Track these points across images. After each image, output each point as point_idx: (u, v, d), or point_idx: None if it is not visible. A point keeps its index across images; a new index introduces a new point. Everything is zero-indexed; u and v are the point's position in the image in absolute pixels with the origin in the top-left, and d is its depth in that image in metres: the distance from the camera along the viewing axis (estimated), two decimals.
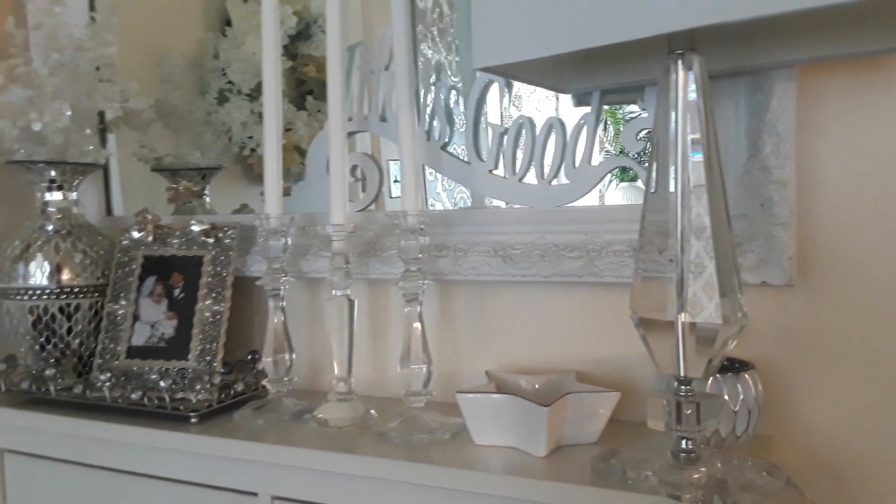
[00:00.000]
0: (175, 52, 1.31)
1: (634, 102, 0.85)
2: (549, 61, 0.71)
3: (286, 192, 1.24)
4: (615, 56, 0.74)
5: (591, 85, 0.84)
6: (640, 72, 0.79)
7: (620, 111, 1.00)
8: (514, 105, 1.00)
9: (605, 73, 0.80)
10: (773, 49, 0.73)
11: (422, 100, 0.96)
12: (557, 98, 1.04)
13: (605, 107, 0.86)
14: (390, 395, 1.01)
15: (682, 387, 0.67)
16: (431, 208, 1.09)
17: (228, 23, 1.37)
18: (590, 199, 0.89)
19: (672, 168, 0.66)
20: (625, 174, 1.02)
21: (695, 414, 0.66)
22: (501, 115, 0.95)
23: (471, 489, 0.74)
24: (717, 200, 0.65)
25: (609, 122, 1.01)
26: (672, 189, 0.66)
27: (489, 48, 0.70)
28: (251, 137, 1.29)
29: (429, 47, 1.15)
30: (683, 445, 0.68)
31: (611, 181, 0.97)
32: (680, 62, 0.66)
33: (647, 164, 0.70)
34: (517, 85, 0.95)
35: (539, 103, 1.06)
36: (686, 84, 0.66)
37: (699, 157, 0.65)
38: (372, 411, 0.92)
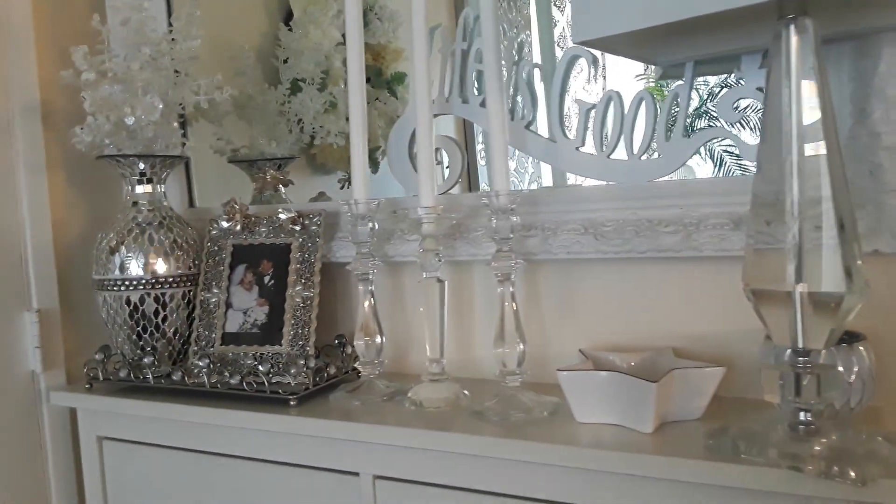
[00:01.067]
0: (247, 45, 1.32)
1: (730, 73, 0.84)
2: (646, 32, 0.70)
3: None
4: (714, 24, 0.72)
5: (684, 55, 0.83)
6: (736, 40, 0.77)
7: (667, 87, 0.98)
8: (595, 80, 0.98)
9: (701, 42, 0.79)
10: (884, 12, 0.70)
11: (515, 82, 0.95)
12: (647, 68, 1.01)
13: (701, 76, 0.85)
14: (477, 376, 1.02)
15: (801, 358, 0.66)
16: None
17: (290, 14, 1.38)
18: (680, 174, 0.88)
19: (787, 137, 0.64)
20: None
21: (814, 385, 0.65)
22: (584, 90, 0.94)
23: (580, 465, 0.74)
24: (837, 168, 0.64)
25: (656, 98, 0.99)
26: (787, 158, 0.64)
27: (589, 21, 0.70)
28: (322, 126, 1.31)
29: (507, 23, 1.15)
30: (802, 417, 0.66)
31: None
32: (792, 27, 0.64)
33: (741, 135, 0.68)
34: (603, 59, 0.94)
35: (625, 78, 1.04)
36: (799, 49, 0.64)
37: (817, 124, 0.63)
38: (465, 392, 0.92)
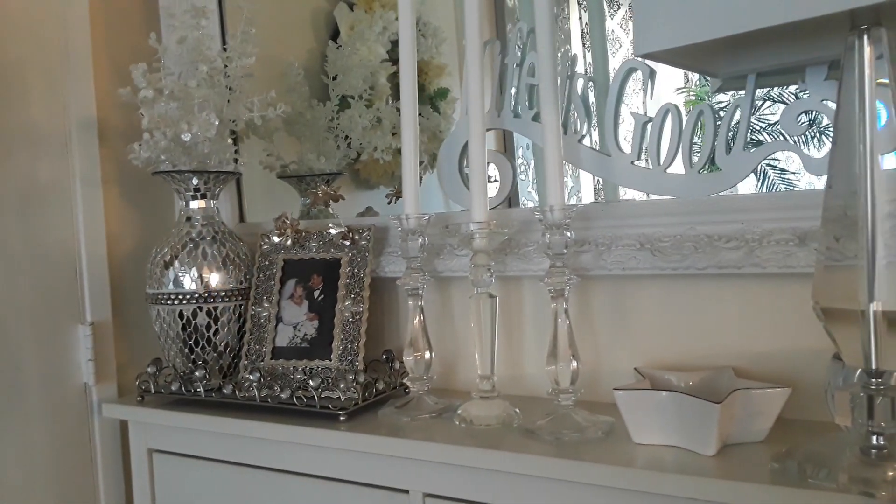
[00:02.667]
0: (296, 62, 1.34)
1: (795, 84, 0.81)
2: (710, 44, 0.69)
3: (398, 193, 1.26)
4: (781, 36, 0.71)
5: (745, 67, 0.81)
6: (802, 51, 0.75)
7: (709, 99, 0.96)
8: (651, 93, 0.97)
9: (766, 53, 0.77)
10: None
11: (566, 95, 0.94)
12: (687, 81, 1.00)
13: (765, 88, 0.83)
14: (527, 394, 1.00)
15: (874, 380, 0.63)
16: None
17: (336, 31, 1.40)
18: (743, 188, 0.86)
19: (860, 150, 0.62)
20: None
21: (888, 408, 0.62)
22: (644, 104, 0.92)
23: (639, 488, 0.71)
24: None
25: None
26: (860, 172, 0.62)
27: (652, 34, 0.69)
28: (368, 142, 1.32)
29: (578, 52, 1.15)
30: (874, 441, 0.63)
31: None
32: (866, 37, 0.62)
33: (807, 149, 0.66)
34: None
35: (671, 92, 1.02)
36: (873, 60, 0.62)
37: (892, 135, 0.61)
38: (516, 410, 0.91)
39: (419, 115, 1.34)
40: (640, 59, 0.86)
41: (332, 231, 1.03)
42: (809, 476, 0.65)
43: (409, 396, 0.97)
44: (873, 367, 0.63)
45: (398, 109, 1.29)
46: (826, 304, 0.65)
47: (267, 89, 1.11)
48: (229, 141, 1.09)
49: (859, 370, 0.64)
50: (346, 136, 1.32)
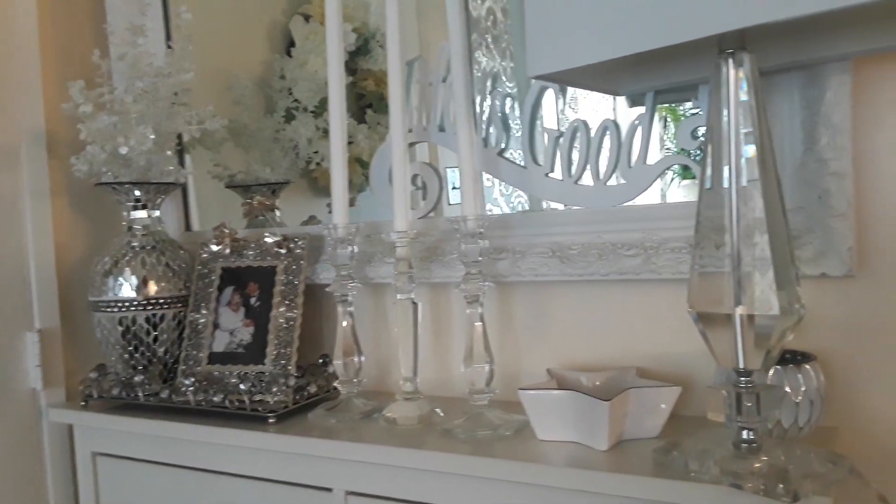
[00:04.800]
0: (244, 75, 1.38)
1: (689, 101, 0.87)
2: (602, 65, 0.73)
3: (351, 203, 1.30)
4: (668, 57, 0.76)
5: (644, 86, 0.86)
6: (692, 71, 0.81)
7: (681, 108, 1.01)
8: (570, 108, 1.02)
9: (658, 73, 0.82)
10: (826, 43, 0.73)
11: (478, 108, 0.99)
12: (614, 99, 1.05)
13: (665, 105, 0.88)
14: (454, 395, 1.04)
15: (742, 378, 0.68)
16: (489, 213, 1.12)
17: (292, 43, 1.44)
18: (650, 198, 0.91)
19: (726, 164, 0.67)
20: (687, 172, 1.02)
21: (755, 405, 0.67)
22: (558, 119, 0.97)
23: (535, 482, 0.76)
24: (772, 194, 0.67)
25: (669, 120, 1.02)
26: (726, 185, 0.67)
27: (544, 56, 0.73)
28: (317, 152, 1.36)
29: (483, 55, 1.19)
30: (745, 436, 0.69)
31: (672, 179, 0.98)
32: (731, 60, 0.68)
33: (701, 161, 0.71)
34: (573, 88, 0.98)
35: (597, 104, 1.07)
36: (737, 82, 0.67)
37: (752, 152, 0.66)
38: (437, 410, 0.95)
39: (378, 124, 1.39)
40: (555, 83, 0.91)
41: (268, 240, 1.07)
42: (690, 469, 0.70)
43: (339, 399, 1.01)
44: (741, 366, 0.68)
45: (352, 118, 1.35)
46: (699, 308, 0.70)
47: (218, 101, 1.15)
48: (169, 153, 1.13)
49: (730, 370, 0.69)
50: (295, 146, 1.37)
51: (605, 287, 0.94)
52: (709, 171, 0.70)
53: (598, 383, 0.89)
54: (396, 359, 1.09)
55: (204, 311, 1.09)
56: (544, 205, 1.07)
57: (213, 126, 1.11)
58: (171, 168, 1.15)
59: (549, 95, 0.96)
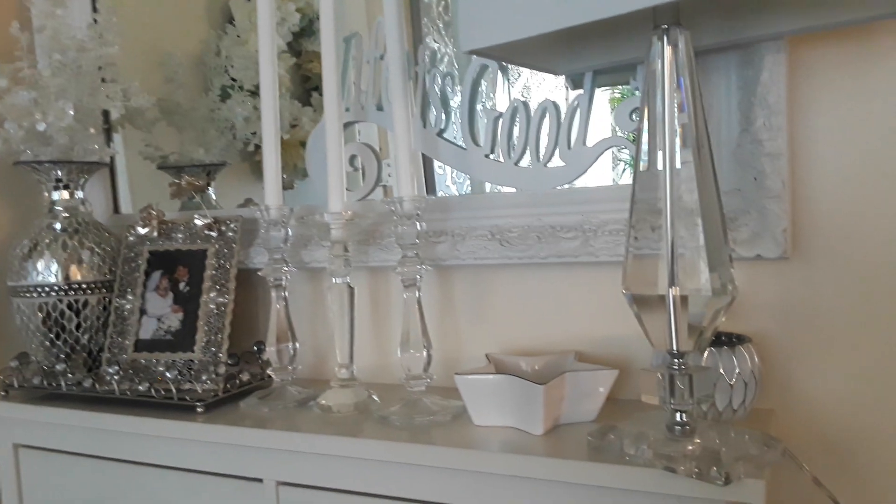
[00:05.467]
0: (179, 52, 1.32)
1: (627, 83, 0.85)
2: (537, 42, 0.71)
3: (288, 186, 1.26)
4: (603, 34, 0.74)
5: (582, 66, 0.84)
6: (630, 50, 0.79)
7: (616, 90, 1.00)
8: (523, 92, 0.99)
9: (596, 52, 0.80)
10: (761, 21, 0.72)
11: (422, 88, 0.96)
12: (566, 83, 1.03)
13: (605, 86, 0.86)
14: (393, 382, 1.02)
15: (675, 360, 0.67)
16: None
17: (231, 21, 1.39)
18: (601, 183, 0.89)
19: (660, 146, 0.66)
20: None
21: (688, 387, 0.67)
22: (510, 100, 0.95)
23: (469, 468, 0.74)
24: (706, 175, 0.66)
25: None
26: (661, 167, 0.66)
27: (476, 31, 0.71)
28: (255, 133, 1.31)
29: (435, 40, 1.16)
30: (678, 418, 0.68)
31: (625, 169, 0.97)
32: (665, 37, 0.66)
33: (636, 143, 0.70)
34: (528, 72, 0.96)
35: (556, 89, 1.05)
36: (671, 60, 0.66)
37: (687, 133, 0.65)
38: (374, 396, 0.93)
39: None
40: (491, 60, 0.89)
41: (198, 222, 1.03)
42: (625, 452, 0.69)
43: (273, 387, 0.97)
44: (674, 348, 0.67)
45: (297, 100, 1.30)
46: (634, 290, 0.69)
47: (152, 79, 1.09)
48: (92, 131, 1.07)
49: (664, 352, 0.68)
50: (232, 126, 1.32)
51: (544, 270, 0.93)
52: (643, 153, 0.69)
53: (537, 368, 0.88)
54: (334, 345, 1.07)
55: (130, 297, 1.04)
56: (487, 188, 1.05)
57: (138, 103, 1.05)
58: (96, 147, 1.09)
59: (499, 76, 0.94)
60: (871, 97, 0.76)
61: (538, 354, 0.90)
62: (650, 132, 0.68)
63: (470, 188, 1.12)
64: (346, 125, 1.03)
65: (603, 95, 0.90)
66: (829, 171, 0.78)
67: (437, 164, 1.22)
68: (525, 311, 0.95)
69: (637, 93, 0.83)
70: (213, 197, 1.30)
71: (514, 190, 0.93)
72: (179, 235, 1.05)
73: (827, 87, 0.77)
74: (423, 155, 1.02)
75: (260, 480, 0.87)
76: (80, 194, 1.09)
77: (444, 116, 0.96)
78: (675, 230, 0.65)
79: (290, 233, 0.98)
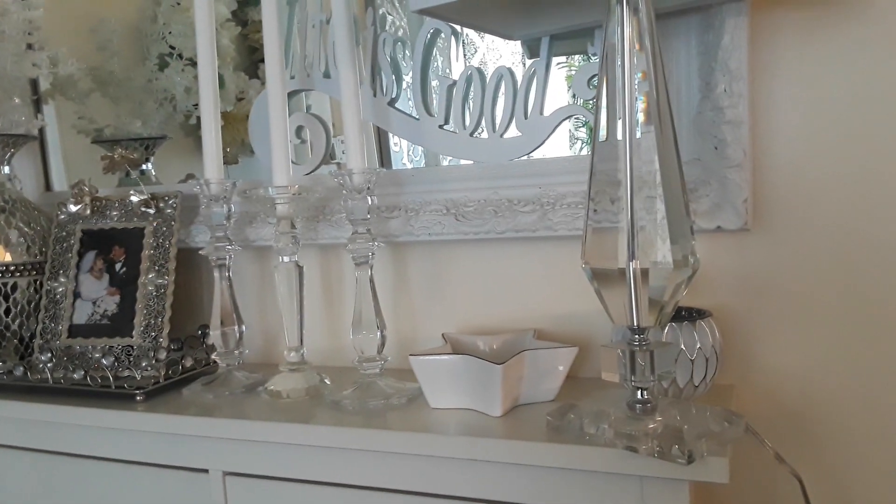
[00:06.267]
0: (113, 18, 1.24)
1: (585, 51, 0.82)
2: (488, 3, 0.67)
3: (232, 161, 1.20)
4: None
5: (538, 30, 0.81)
6: (587, 14, 0.76)
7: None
8: (481, 67, 0.95)
9: (552, 16, 0.77)
10: None
11: (371, 54, 0.91)
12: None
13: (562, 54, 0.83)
14: (347, 365, 0.98)
15: (636, 336, 0.65)
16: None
17: None
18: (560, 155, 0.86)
19: (620, 115, 0.63)
20: None
21: (648, 363, 0.64)
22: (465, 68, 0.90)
23: (425, 452, 0.71)
24: (667, 146, 0.63)
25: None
26: (620, 137, 0.63)
27: None
28: (196, 105, 1.24)
29: (388, 12, 1.11)
30: (639, 396, 0.65)
31: (582, 148, 0.94)
32: (624, 0, 0.62)
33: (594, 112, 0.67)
34: (484, 45, 0.92)
35: (514, 66, 1.00)
36: (631, 24, 0.62)
37: (646, 100, 0.62)
38: (326, 380, 0.89)
39: None
40: (442, 21, 0.84)
41: (134, 199, 0.97)
42: (586, 432, 0.67)
43: (218, 373, 0.92)
44: (635, 323, 0.64)
45: (244, 72, 1.24)
46: (594, 264, 0.66)
47: (86, 47, 1.01)
48: (17, 101, 0.99)
49: (625, 327, 0.66)
50: (173, 98, 1.24)
51: (502, 246, 0.89)
52: (602, 123, 0.65)
53: (495, 347, 0.85)
54: (283, 328, 1.02)
55: (63, 279, 0.98)
56: (445, 161, 1.01)
57: (67, 70, 0.98)
58: (23, 118, 1.02)
59: (452, 46, 0.89)
60: (834, 63, 0.73)
61: (496, 333, 0.87)
62: (609, 101, 0.64)
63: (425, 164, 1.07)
64: (292, 94, 0.98)
65: (560, 71, 0.86)
66: (792, 139, 0.76)
67: (392, 139, 1.17)
68: (483, 288, 0.92)
69: (595, 59, 0.80)
70: (153, 172, 1.23)
71: (470, 162, 0.89)
72: (114, 213, 0.99)
73: (790, 52, 0.75)
74: (379, 130, 0.98)
75: (206, 471, 0.83)
76: (6, 170, 1.02)
77: (395, 85, 0.92)
78: (635, 202, 0.62)
79: (233, 209, 0.92)
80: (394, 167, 1.07)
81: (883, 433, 0.76)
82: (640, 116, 0.62)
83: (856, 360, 0.76)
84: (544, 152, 0.89)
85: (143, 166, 1.20)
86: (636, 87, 0.62)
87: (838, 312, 0.76)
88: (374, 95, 0.92)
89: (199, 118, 1.22)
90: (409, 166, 1.10)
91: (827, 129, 0.74)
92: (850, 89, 0.73)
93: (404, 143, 1.18)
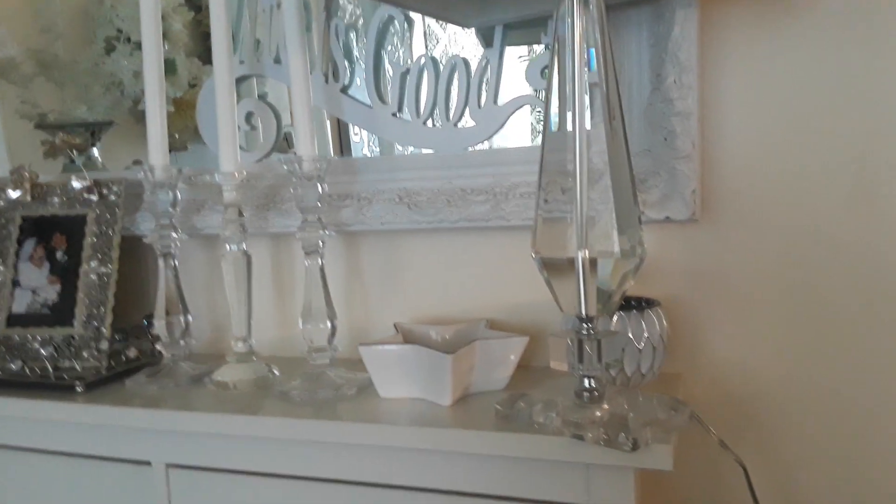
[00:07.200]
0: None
1: (538, 41, 0.82)
2: None
3: (182, 147, 1.17)
4: None
5: (492, 18, 0.80)
6: (539, 4, 0.75)
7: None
8: (445, 54, 0.94)
9: (504, 5, 0.76)
10: None
11: (323, 40, 0.90)
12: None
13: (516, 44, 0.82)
14: (298, 355, 0.96)
15: (584, 325, 0.65)
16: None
17: None
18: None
19: (570, 105, 0.63)
20: None
21: (596, 352, 0.64)
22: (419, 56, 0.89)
23: (373, 443, 0.70)
24: (616, 136, 0.63)
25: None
26: (570, 128, 0.63)
27: None
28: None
29: (349, 1, 1.09)
30: (586, 384, 0.66)
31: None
32: None
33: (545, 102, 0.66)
34: (446, 39, 0.91)
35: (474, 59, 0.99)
36: (581, 15, 0.62)
37: (596, 93, 0.62)
38: (275, 371, 0.87)
39: None
40: (396, 7, 0.83)
41: (76, 185, 0.93)
42: (535, 421, 0.67)
43: (163, 363, 0.90)
44: (583, 312, 0.64)
45: (197, 58, 1.20)
46: (544, 253, 0.66)
47: (29, 29, 0.97)
48: None
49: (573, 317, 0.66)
50: (121, 83, 1.20)
51: (456, 236, 0.89)
52: (553, 113, 0.65)
53: (447, 337, 0.84)
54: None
55: (1, 268, 0.94)
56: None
57: (5, 53, 0.94)
58: None
59: (406, 34, 0.88)
60: (783, 56, 0.74)
61: (450, 323, 0.86)
62: (560, 91, 0.64)
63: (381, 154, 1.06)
64: (242, 80, 0.96)
65: (516, 58, 0.86)
66: (740, 132, 0.77)
67: (353, 130, 1.16)
68: (437, 278, 0.91)
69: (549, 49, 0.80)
70: (100, 159, 1.19)
71: (426, 152, 0.89)
72: (56, 200, 0.96)
73: (739, 45, 0.76)
74: (339, 121, 0.96)
75: (148, 463, 0.81)
76: None
77: (348, 72, 0.90)
78: (585, 193, 0.63)
79: (178, 196, 0.90)
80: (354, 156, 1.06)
81: (825, 421, 0.78)
82: (590, 108, 0.62)
83: (800, 350, 0.78)
84: (504, 143, 0.88)
85: (91, 152, 1.16)
86: (586, 78, 0.62)
87: (783, 303, 0.78)
88: (326, 82, 0.91)
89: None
90: (370, 155, 1.09)
91: (775, 122, 0.76)
92: (799, 83, 0.74)
93: (365, 133, 1.17)
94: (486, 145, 0.87)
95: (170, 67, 1.23)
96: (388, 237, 0.92)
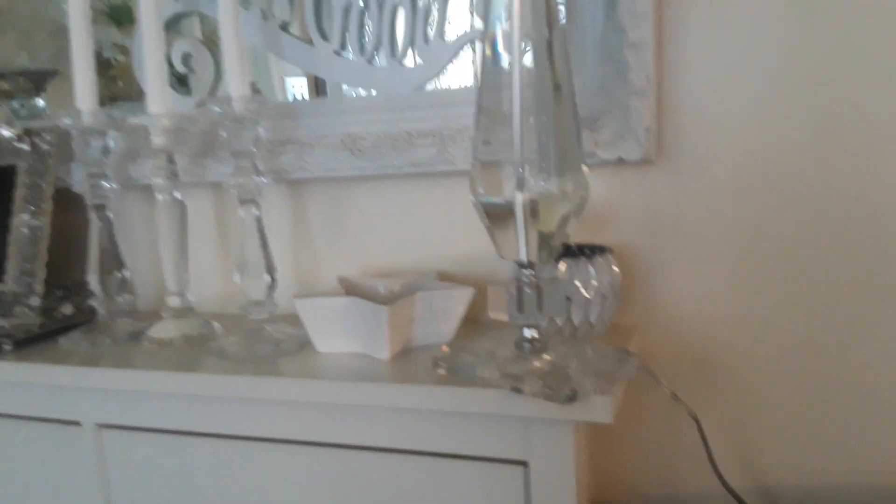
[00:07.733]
0: None
1: None
2: None
3: (137, 97, 1.11)
4: None
5: None
6: None
7: None
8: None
9: None
10: None
11: None
12: None
13: None
14: (243, 312, 0.92)
15: (524, 271, 0.60)
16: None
17: None
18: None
19: (506, 41, 0.57)
20: None
21: (536, 301, 0.60)
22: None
23: (306, 399, 0.67)
24: (558, 72, 0.57)
25: None
26: (506, 65, 0.57)
27: None
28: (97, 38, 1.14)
29: None
30: (527, 335, 0.62)
31: None
32: None
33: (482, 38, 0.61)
34: None
35: None
36: None
37: (536, 23, 0.56)
38: (216, 325, 0.83)
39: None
40: None
41: (5, 133, 0.88)
42: (475, 374, 0.63)
43: (98, 320, 0.86)
44: (522, 258, 0.60)
45: None
46: (483, 198, 0.61)
47: None
48: None
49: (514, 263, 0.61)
50: (64, 30, 1.14)
51: (403, 182, 0.84)
52: (489, 49, 0.60)
53: (396, 290, 0.80)
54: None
55: None
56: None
57: None
58: None
59: None
60: None
61: (398, 276, 0.82)
62: (493, 26, 0.59)
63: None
64: (179, 18, 0.90)
65: None
66: (700, 65, 0.71)
67: (289, 81, 1.10)
68: (386, 229, 0.87)
69: None
70: (48, 111, 1.13)
71: (371, 93, 0.83)
72: None
73: None
74: (203, 52, 0.90)
75: (77, 423, 0.77)
76: None
77: (288, 7, 0.84)
78: (524, 132, 0.57)
79: (111, 144, 0.84)
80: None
81: (779, 373, 0.74)
82: (522, 42, 0.57)
83: (754, 301, 0.74)
84: (452, 82, 0.83)
85: (36, 102, 1.10)
86: (528, 9, 0.57)
87: (742, 251, 0.73)
88: (265, 19, 0.85)
89: (100, 53, 1.12)
90: None
91: (740, 55, 0.70)
92: (766, 12, 0.69)
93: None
94: (435, 86, 0.81)
95: (124, 14, 1.17)
96: (334, 186, 0.87)
